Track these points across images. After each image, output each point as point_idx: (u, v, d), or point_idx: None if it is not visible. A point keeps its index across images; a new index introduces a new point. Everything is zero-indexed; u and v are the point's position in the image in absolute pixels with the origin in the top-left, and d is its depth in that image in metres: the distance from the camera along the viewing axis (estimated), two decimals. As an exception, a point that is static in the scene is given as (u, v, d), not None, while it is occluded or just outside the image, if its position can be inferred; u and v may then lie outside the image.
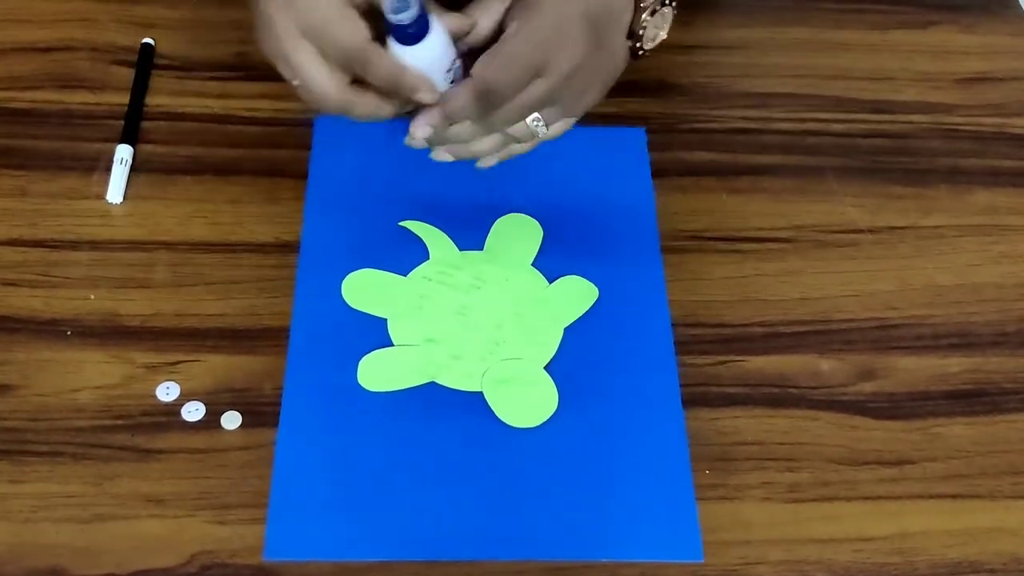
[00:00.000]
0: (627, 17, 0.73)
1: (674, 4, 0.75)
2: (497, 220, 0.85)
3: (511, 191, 0.86)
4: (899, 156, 0.93)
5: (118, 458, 0.71)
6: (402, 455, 0.73)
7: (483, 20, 0.71)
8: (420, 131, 0.71)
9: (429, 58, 0.68)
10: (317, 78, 0.68)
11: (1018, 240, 0.89)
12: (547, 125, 0.74)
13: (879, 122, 0.96)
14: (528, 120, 0.73)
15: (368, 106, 0.69)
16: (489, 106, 0.70)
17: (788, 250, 0.86)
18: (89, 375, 0.74)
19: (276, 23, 0.67)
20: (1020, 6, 1.06)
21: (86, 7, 0.95)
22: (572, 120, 0.75)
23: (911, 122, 0.96)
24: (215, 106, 0.90)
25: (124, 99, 0.89)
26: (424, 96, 0.68)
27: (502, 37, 0.69)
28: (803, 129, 0.94)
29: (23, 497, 0.69)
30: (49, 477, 0.70)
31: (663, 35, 0.76)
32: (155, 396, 0.74)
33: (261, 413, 0.74)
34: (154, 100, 0.90)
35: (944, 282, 0.86)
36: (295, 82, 0.69)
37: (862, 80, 0.99)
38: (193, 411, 0.73)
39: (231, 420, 0.73)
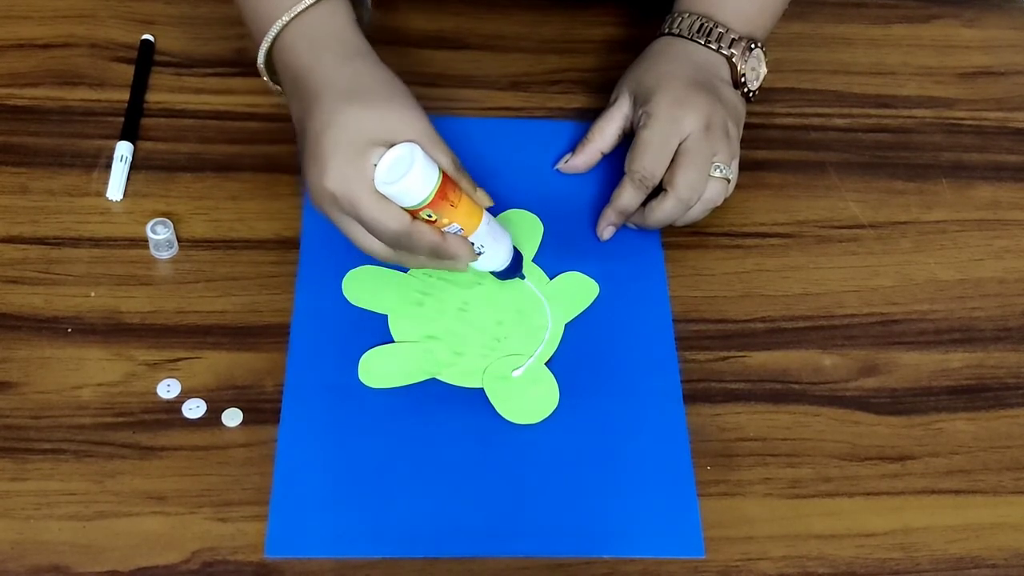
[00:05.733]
0: (725, 71, 0.85)
1: (762, 46, 0.86)
2: (497, 216, 0.84)
3: (512, 187, 0.86)
4: (901, 151, 0.93)
5: (120, 455, 0.71)
6: (403, 452, 0.73)
7: (608, 128, 0.86)
8: (607, 233, 0.84)
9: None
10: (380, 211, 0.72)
11: (1020, 235, 0.89)
12: (727, 166, 0.82)
13: (881, 117, 0.96)
14: (712, 173, 0.81)
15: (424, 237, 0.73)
16: (647, 189, 0.82)
17: (790, 245, 0.86)
18: (90, 372, 0.74)
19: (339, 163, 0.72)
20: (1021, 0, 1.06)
21: (86, 4, 0.95)
22: (737, 159, 0.84)
23: (913, 117, 0.96)
24: (215, 102, 0.90)
25: (124, 96, 0.89)
26: (464, 261, 0.75)
27: (637, 131, 0.82)
28: (804, 124, 0.94)
29: (25, 495, 0.69)
30: (51, 475, 0.70)
31: (763, 71, 0.87)
32: (156, 393, 0.74)
33: (262, 410, 0.74)
34: (154, 97, 0.90)
35: (946, 277, 0.85)
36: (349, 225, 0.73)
37: (863, 75, 0.99)
38: (194, 408, 0.73)
39: (232, 417, 0.73)
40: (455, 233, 0.74)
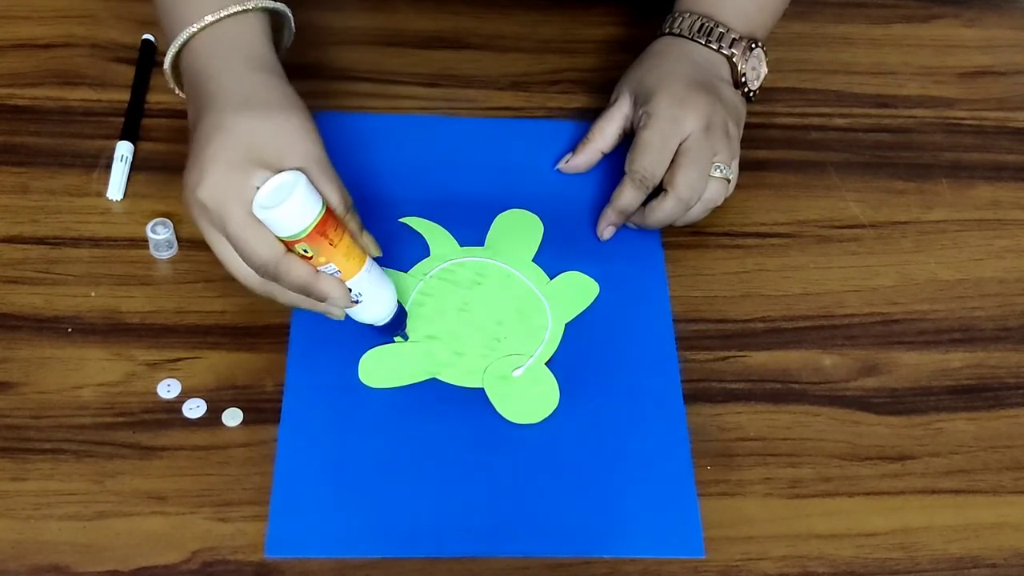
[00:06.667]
0: (725, 71, 0.85)
1: (763, 46, 0.86)
2: (498, 216, 0.84)
3: (512, 187, 0.86)
4: (901, 151, 0.93)
5: (120, 455, 0.71)
6: (403, 452, 0.73)
7: (609, 128, 0.85)
8: (607, 233, 0.83)
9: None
10: (255, 238, 0.68)
11: (1020, 234, 0.89)
12: (728, 166, 0.82)
13: (881, 117, 0.96)
14: (712, 173, 0.81)
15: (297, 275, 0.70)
16: (647, 189, 0.81)
17: (790, 245, 0.86)
18: (90, 372, 0.74)
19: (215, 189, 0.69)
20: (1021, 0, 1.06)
21: (87, 4, 0.95)
22: (737, 159, 0.84)
23: (913, 116, 0.96)
24: (216, 103, 0.89)
25: (125, 96, 0.89)
26: (338, 304, 0.71)
27: (637, 131, 0.82)
28: (805, 124, 0.94)
29: (25, 495, 0.69)
30: (51, 475, 0.70)
31: (764, 71, 0.87)
32: (156, 393, 0.74)
33: (262, 410, 0.74)
34: (155, 97, 0.90)
35: (946, 277, 0.85)
36: (220, 246, 0.70)
37: (864, 75, 0.99)
38: (194, 408, 0.73)
39: (232, 417, 0.73)
40: (331, 275, 0.70)
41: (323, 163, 0.70)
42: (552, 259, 0.83)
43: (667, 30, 0.87)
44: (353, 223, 0.72)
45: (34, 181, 0.84)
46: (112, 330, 0.76)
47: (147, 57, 0.91)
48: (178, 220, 0.82)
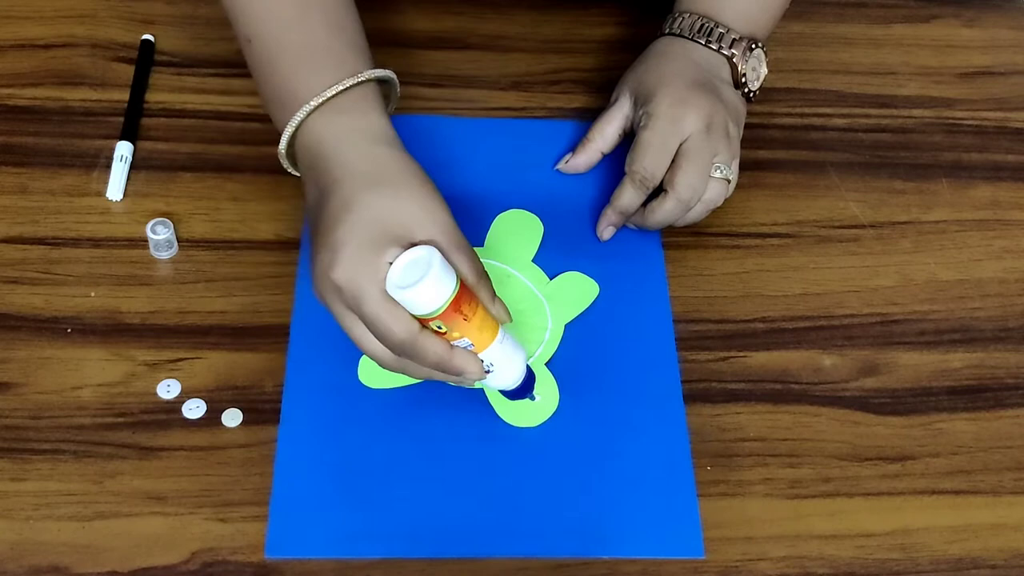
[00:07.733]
0: (725, 71, 0.85)
1: (763, 46, 0.86)
2: (497, 216, 0.84)
3: (512, 187, 0.86)
4: (901, 151, 0.93)
5: (119, 456, 0.71)
6: (403, 453, 0.73)
7: (609, 128, 0.86)
8: (607, 233, 0.83)
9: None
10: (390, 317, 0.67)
11: (1020, 235, 0.89)
12: (728, 166, 0.81)
13: (881, 117, 0.95)
14: (712, 173, 0.81)
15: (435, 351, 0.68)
16: (647, 189, 0.81)
17: (790, 245, 0.86)
18: (90, 373, 0.74)
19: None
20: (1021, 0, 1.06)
21: (87, 4, 0.95)
22: (737, 159, 0.83)
23: (913, 116, 0.96)
24: (216, 103, 0.90)
25: (124, 96, 0.89)
26: (471, 378, 0.70)
27: (637, 132, 0.82)
28: (804, 124, 0.94)
29: (24, 495, 0.69)
30: (50, 475, 0.70)
31: (764, 71, 0.87)
32: (156, 394, 0.74)
33: (262, 410, 0.74)
34: (154, 97, 0.90)
35: (946, 277, 0.85)
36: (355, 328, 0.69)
37: (864, 75, 0.99)
38: (194, 408, 0.73)
39: (232, 417, 0.73)
40: (465, 348, 0.69)
41: (454, 233, 0.69)
42: (552, 259, 0.83)
43: (667, 30, 0.87)
44: (484, 291, 0.70)
45: (34, 181, 0.84)
46: (112, 330, 0.76)
47: (147, 57, 0.91)
48: (178, 220, 0.82)
